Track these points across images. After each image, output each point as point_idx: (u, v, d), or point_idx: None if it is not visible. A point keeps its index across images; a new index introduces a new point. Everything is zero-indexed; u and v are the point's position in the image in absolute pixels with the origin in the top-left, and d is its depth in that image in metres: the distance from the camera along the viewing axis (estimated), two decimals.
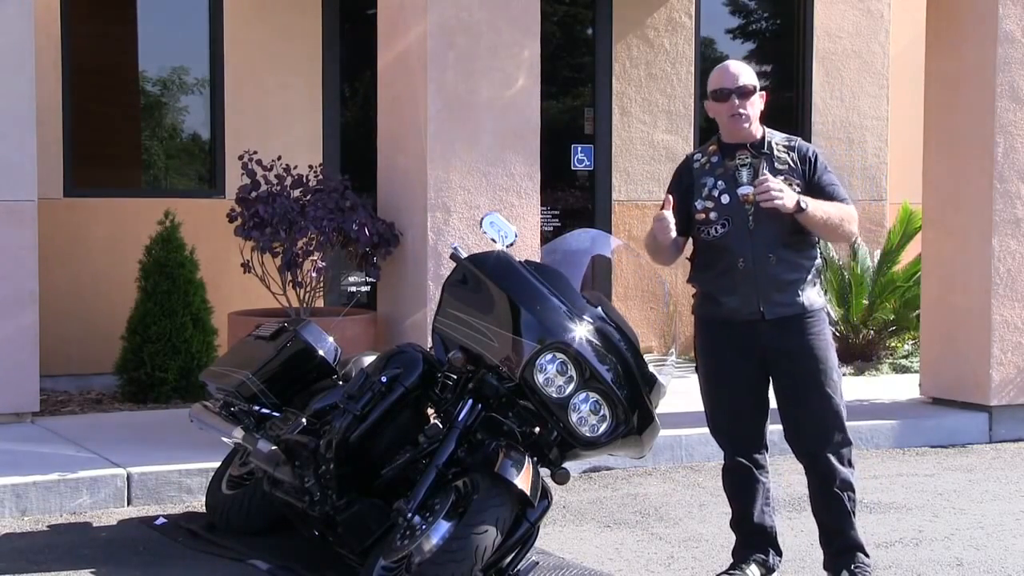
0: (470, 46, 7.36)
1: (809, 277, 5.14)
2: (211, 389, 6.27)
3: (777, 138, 5.22)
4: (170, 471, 6.57)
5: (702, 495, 6.88)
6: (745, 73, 5.16)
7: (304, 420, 5.39)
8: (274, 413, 5.77)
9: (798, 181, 5.10)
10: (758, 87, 5.18)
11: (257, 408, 5.80)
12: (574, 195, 10.53)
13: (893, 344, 10.68)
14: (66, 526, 6.15)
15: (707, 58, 10.98)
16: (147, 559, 5.62)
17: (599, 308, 5.04)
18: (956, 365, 8.63)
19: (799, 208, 4.97)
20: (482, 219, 5.18)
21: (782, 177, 5.07)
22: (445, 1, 7.30)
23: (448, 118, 7.33)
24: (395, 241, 7.52)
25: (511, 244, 5.13)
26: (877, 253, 10.72)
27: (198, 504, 6.41)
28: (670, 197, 5.10)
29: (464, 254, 5.18)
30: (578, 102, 10.68)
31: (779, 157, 5.14)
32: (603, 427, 4.87)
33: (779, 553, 5.34)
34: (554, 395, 4.81)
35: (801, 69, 11.10)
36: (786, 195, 4.95)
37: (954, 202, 8.62)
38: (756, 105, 5.16)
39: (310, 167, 7.87)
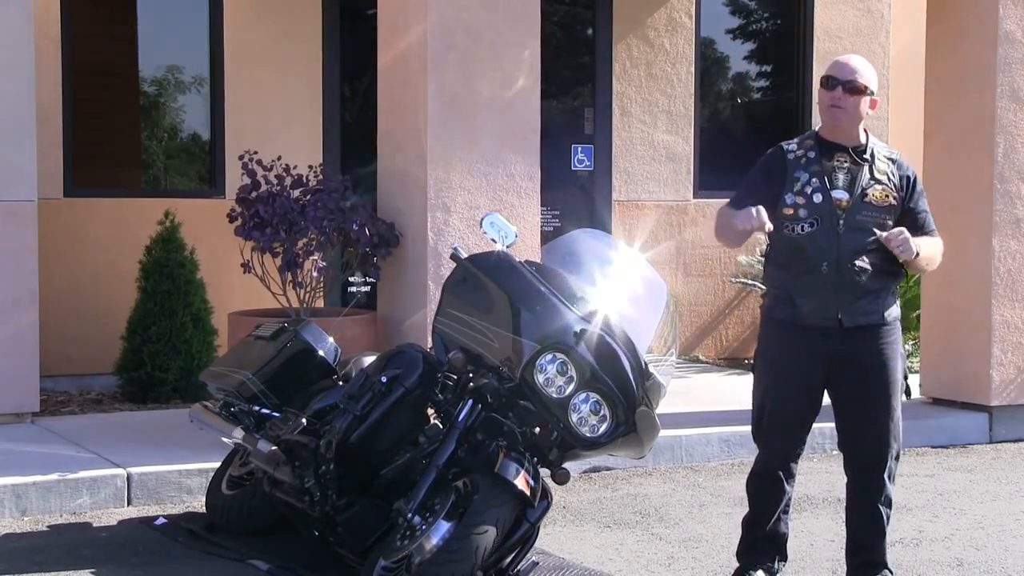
0: (470, 46, 7.36)
1: (891, 286, 5.05)
2: (211, 389, 6.27)
3: (880, 147, 5.09)
4: (170, 471, 6.57)
5: (702, 495, 6.88)
6: (864, 71, 5.00)
7: (304, 420, 5.39)
8: (274, 413, 5.77)
9: (895, 194, 5.00)
10: (871, 92, 5.00)
11: (257, 408, 5.80)
12: (574, 195, 10.52)
13: None
14: (66, 526, 6.15)
15: (707, 58, 10.98)
16: (147, 559, 5.62)
17: (599, 308, 5.03)
18: (956, 365, 8.63)
19: (914, 255, 4.92)
20: (482, 219, 5.17)
21: (881, 188, 4.98)
22: (445, 1, 7.30)
23: (448, 118, 7.33)
24: (395, 241, 7.52)
25: (511, 244, 5.13)
26: None
27: (198, 504, 6.41)
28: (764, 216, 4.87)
29: (464, 254, 5.18)
30: (578, 102, 10.67)
31: (879, 167, 5.02)
32: (603, 427, 4.87)
33: (784, 558, 5.32)
34: (554, 395, 4.81)
35: (801, 69, 11.08)
36: (913, 244, 4.88)
37: (954, 202, 8.61)
38: (861, 106, 4.99)
39: (310, 167, 7.87)
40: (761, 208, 4.87)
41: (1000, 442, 8.42)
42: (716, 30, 11.06)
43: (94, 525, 6.18)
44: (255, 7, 9.44)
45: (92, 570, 5.45)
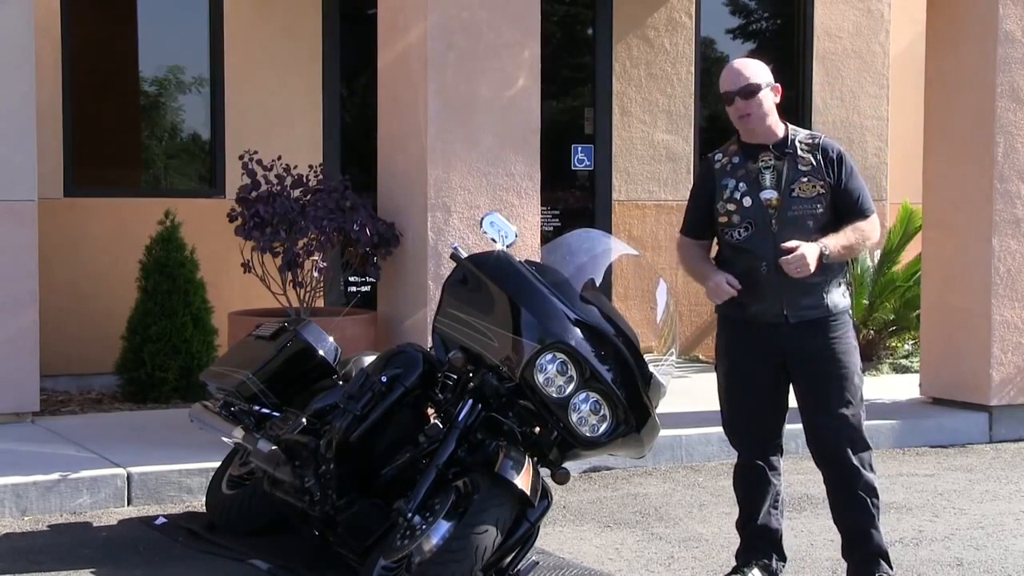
0: (470, 46, 7.36)
1: (833, 279, 5.06)
2: (211, 389, 6.28)
3: (800, 136, 5.11)
4: (170, 471, 6.57)
5: (702, 495, 6.88)
6: (749, 71, 5.04)
7: (304, 420, 5.39)
8: (274, 413, 5.77)
9: (821, 182, 5.01)
10: (766, 83, 5.04)
11: (257, 408, 5.80)
12: (574, 195, 10.53)
13: (893, 344, 10.68)
14: (66, 526, 6.15)
15: (707, 58, 10.99)
16: (147, 559, 5.62)
17: (599, 307, 5.04)
18: (956, 365, 8.63)
19: (821, 261, 4.90)
20: (482, 219, 5.17)
21: (807, 179, 5.00)
22: (445, 1, 7.30)
23: (448, 118, 7.33)
24: (395, 241, 7.52)
25: (511, 244, 5.12)
26: (877, 253, 10.72)
27: (198, 504, 6.41)
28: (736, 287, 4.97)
29: (464, 254, 5.18)
30: (578, 102, 10.68)
31: (802, 158, 5.04)
32: (603, 427, 4.87)
33: (783, 558, 5.31)
34: (554, 395, 4.81)
35: (801, 69, 11.09)
36: (809, 258, 4.84)
37: (954, 202, 8.63)
38: (766, 101, 5.03)
39: (310, 167, 7.88)
40: (730, 279, 4.96)
41: (1000, 442, 8.42)
42: (716, 30, 11.06)
43: (94, 525, 6.18)
44: (255, 7, 9.45)
45: (92, 570, 5.45)
